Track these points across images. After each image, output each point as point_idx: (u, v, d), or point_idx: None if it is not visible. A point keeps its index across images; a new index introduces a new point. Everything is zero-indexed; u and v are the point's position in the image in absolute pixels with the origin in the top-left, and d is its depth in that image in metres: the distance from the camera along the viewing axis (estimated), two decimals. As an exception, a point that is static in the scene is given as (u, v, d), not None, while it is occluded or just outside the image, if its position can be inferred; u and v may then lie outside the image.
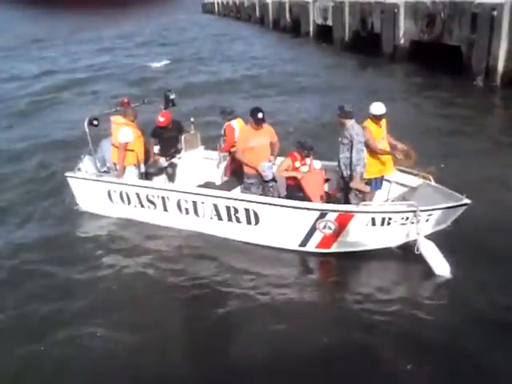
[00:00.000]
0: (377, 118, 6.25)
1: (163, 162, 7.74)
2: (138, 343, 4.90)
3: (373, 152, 6.28)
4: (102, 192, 7.60)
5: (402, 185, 6.65)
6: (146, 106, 7.98)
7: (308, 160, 6.43)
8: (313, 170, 6.53)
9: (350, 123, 6.07)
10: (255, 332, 4.95)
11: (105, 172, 7.70)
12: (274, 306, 5.38)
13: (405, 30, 18.47)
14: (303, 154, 6.31)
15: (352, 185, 6.12)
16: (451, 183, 6.10)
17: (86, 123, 7.26)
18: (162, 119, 7.46)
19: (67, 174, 7.95)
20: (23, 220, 8.03)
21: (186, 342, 4.96)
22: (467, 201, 5.56)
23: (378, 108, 6.21)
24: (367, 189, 6.18)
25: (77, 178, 7.84)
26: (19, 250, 7.00)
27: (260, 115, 6.26)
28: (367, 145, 6.17)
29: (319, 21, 28.14)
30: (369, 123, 6.30)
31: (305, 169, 6.38)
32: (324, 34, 27.01)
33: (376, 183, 6.52)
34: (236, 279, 5.92)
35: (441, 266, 5.61)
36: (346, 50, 23.58)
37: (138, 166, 7.33)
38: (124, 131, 7.03)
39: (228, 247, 6.60)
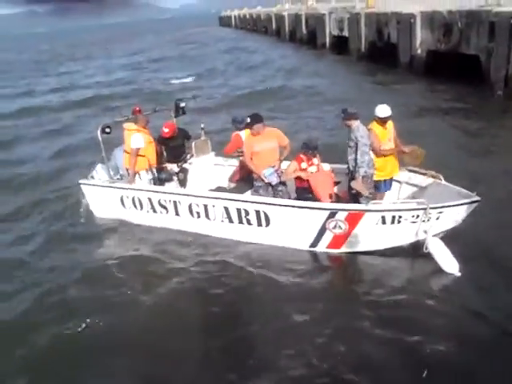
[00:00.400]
0: (382, 121, 6.29)
1: (174, 167, 7.90)
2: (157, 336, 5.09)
3: (378, 154, 6.35)
4: (115, 198, 7.71)
5: (412, 185, 6.67)
6: (157, 113, 8.17)
7: (315, 160, 6.47)
8: (321, 170, 6.55)
9: (356, 124, 6.15)
10: (266, 331, 5.03)
11: (118, 179, 7.85)
12: (284, 306, 5.41)
13: (421, 40, 18.38)
14: (309, 154, 6.37)
15: (352, 184, 6.21)
16: (465, 184, 6.08)
17: (99, 131, 7.42)
18: (166, 130, 7.64)
19: (81, 181, 8.06)
20: (39, 226, 8.27)
21: (199, 342, 5.03)
22: (477, 198, 5.55)
23: (383, 110, 6.25)
24: (366, 192, 6.18)
25: (90, 184, 7.97)
26: (35, 256, 7.21)
27: (248, 120, 6.49)
28: (372, 147, 6.26)
29: (335, 32, 28.23)
30: (374, 125, 6.35)
31: (313, 169, 6.42)
32: (340, 45, 27.07)
33: (385, 185, 6.58)
34: (247, 281, 6.00)
35: (450, 264, 5.61)
36: (362, 60, 23.58)
37: (149, 170, 7.46)
38: (136, 137, 7.19)
39: (239, 249, 6.67)
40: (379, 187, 6.50)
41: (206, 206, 6.89)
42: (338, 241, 6.17)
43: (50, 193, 9.74)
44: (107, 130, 7.39)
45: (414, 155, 6.54)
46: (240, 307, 5.49)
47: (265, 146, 6.50)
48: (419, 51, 18.58)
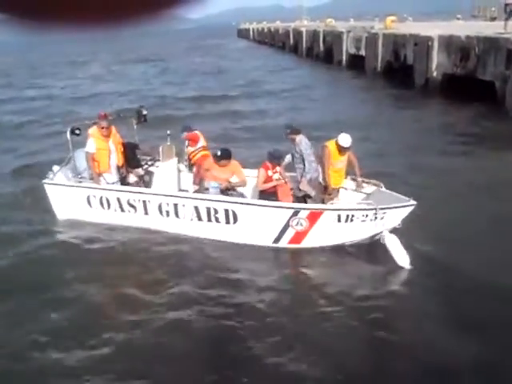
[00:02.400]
0: (341, 148, 6.96)
1: (140, 170, 8.28)
2: (129, 343, 5.08)
3: (327, 167, 7.12)
4: (81, 198, 7.78)
5: (357, 191, 7.47)
6: (121, 120, 8.42)
7: (278, 168, 7.14)
8: (284, 177, 7.19)
9: (299, 138, 7.06)
10: (233, 325, 5.30)
11: (79, 180, 7.90)
12: (249, 297, 5.83)
13: (438, 63, 18.39)
14: (274, 162, 7.06)
15: (301, 186, 7.06)
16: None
17: (68, 132, 7.59)
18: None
19: (45, 181, 7.97)
20: None
21: (168, 341, 5.11)
22: (414, 202, 6.51)
23: (344, 140, 6.93)
24: (312, 193, 7.06)
25: (55, 184, 7.92)
26: None
27: (218, 153, 7.13)
28: (322, 162, 7.10)
29: (352, 50, 28.34)
30: (331, 144, 7.05)
31: (276, 176, 7.08)
32: (356, 63, 27.15)
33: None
34: (214, 275, 6.33)
35: (402, 257, 6.36)
36: (377, 80, 23.62)
37: (101, 175, 7.70)
38: (88, 142, 7.54)
39: (207, 246, 7.03)
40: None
41: (175, 205, 7.26)
42: (299, 237, 6.84)
43: (9, 194, 9.47)
44: (77, 131, 7.60)
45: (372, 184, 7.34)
46: (208, 302, 5.74)
47: (222, 175, 7.18)
48: (435, 74, 18.57)
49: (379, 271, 6.48)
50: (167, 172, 8.14)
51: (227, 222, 7.01)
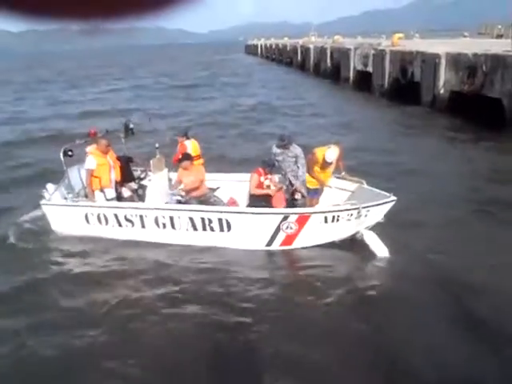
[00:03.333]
0: (325, 162, 7.56)
1: (133, 185, 8.61)
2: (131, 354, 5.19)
3: (313, 170, 7.78)
4: (79, 216, 8.02)
5: (340, 189, 8.07)
6: (109, 135, 8.51)
7: (269, 175, 7.80)
8: (274, 184, 7.83)
9: (293, 145, 7.84)
10: (232, 324, 5.61)
11: (74, 198, 8.12)
12: (245, 298, 6.19)
13: (445, 80, 18.45)
14: (266, 170, 7.72)
15: (298, 187, 7.74)
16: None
17: (61, 154, 7.79)
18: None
19: (42, 201, 8.18)
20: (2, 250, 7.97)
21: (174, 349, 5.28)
22: (394, 198, 7.05)
23: (328, 155, 7.52)
24: (305, 193, 7.78)
25: (53, 205, 8.14)
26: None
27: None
28: (308, 165, 7.77)
29: (359, 67, 28.51)
30: (319, 154, 7.65)
31: (267, 182, 7.75)
32: (363, 80, 27.29)
33: (316, 192, 7.90)
34: (213, 281, 6.65)
35: (381, 250, 7.03)
36: (384, 96, 23.69)
37: (102, 190, 7.97)
38: (88, 159, 7.85)
39: (203, 254, 7.40)
40: (309, 193, 7.84)
41: (171, 218, 7.60)
42: (289, 239, 7.34)
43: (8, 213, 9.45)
44: (69, 152, 7.83)
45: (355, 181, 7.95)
46: (207, 305, 6.04)
47: (186, 179, 7.93)
48: (442, 91, 18.62)
49: (363, 265, 7.08)
50: (159, 184, 8.39)
51: (221, 230, 7.42)
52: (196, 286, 6.55)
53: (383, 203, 7.06)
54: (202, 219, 7.42)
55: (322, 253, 7.33)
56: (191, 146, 8.63)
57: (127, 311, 6.05)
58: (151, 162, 8.32)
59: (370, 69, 26.60)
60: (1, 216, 9.27)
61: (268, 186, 7.71)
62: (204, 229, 7.48)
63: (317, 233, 7.24)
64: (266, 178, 7.74)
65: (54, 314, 6.01)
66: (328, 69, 35.39)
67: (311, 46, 41.28)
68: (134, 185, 8.56)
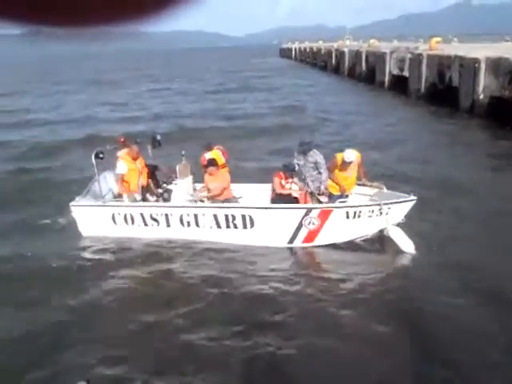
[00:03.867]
0: (345, 162, 7.63)
1: (159, 190, 8.90)
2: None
3: (336, 176, 7.90)
4: (106, 216, 8.30)
5: (362, 194, 8.14)
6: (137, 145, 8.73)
7: (290, 180, 7.90)
8: (301, 187, 7.95)
9: (313, 151, 7.98)
10: (257, 320, 5.73)
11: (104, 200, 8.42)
12: (268, 296, 6.32)
13: (485, 86, 17.91)
14: (287, 174, 7.85)
15: (324, 191, 7.88)
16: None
17: (93, 156, 8.14)
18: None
19: (71, 203, 8.47)
20: (30, 247, 8.22)
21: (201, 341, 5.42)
22: (415, 197, 7.20)
23: (347, 156, 7.60)
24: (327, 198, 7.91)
25: (82, 205, 8.43)
26: (33, 276, 7.21)
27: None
28: (330, 169, 7.93)
29: (395, 71, 28.06)
30: (339, 157, 7.78)
31: (288, 186, 7.92)
32: (399, 84, 26.83)
33: (340, 198, 7.85)
34: (236, 277, 6.81)
35: (407, 245, 7.13)
36: (421, 101, 23.21)
37: (131, 194, 8.27)
38: (119, 164, 8.15)
39: (227, 251, 7.56)
40: (332, 199, 7.87)
41: (196, 216, 7.83)
42: (311, 236, 7.45)
43: (41, 214, 9.67)
44: (100, 155, 8.19)
45: (375, 187, 8.04)
46: (231, 300, 6.22)
47: (213, 184, 8.07)
48: (482, 96, 18.09)
49: (389, 260, 7.21)
50: (184, 188, 8.68)
51: (244, 226, 7.63)
52: (217, 281, 6.71)
53: (404, 201, 7.23)
54: (226, 216, 7.64)
55: (346, 251, 7.43)
56: (209, 157, 8.70)
57: (151, 305, 6.26)
58: (177, 167, 8.61)
59: (406, 73, 26.14)
60: (34, 214, 9.60)
61: (290, 189, 7.90)
62: (228, 226, 7.69)
63: (339, 229, 7.32)
64: (287, 182, 7.90)
65: (80, 307, 6.26)
66: (363, 72, 34.99)
67: (346, 50, 40.92)
68: (159, 190, 8.85)
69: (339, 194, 7.92)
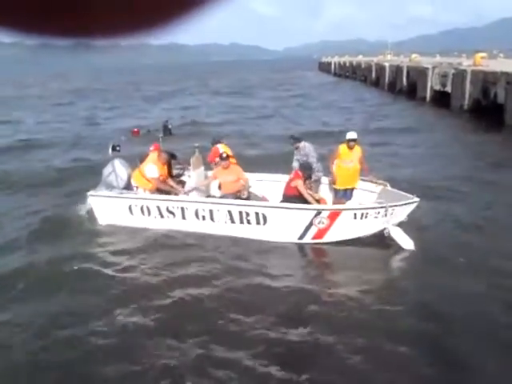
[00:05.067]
0: (349, 143, 8.18)
1: (173, 181, 9.18)
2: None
3: (338, 167, 8.36)
4: (123, 207, 8.63)
5: (366, 191, 8.63)
6: (150, 134, 9.42)
7: (307, 181, 8.23)
8: (313, 192, 8.34)
9: (302, 144, 8.57)
10: (269, 311, 5.97)
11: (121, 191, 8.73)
12: (279, 289, 6.59)
13: (532, 103, 17.35)
14: (304, 174, 8.13)
15: (318, 177, 8.62)
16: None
17: (110, 149, 8.56)
18: (151, 148, 9.00)
19: (90, 192, 8.77)
20: (46, 235, 8.65)
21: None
22: (417, 199, 7.68)
23: (350, 134, 8.25)
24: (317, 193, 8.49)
25: (100, 196, 8.74)
26: (48, 263, 7.52)
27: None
28: (332, 160, 8.42)
29: (437, 87, 27.58)
30: (342, 147, 8.32)
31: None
32: (441, 100, 26.33)
33: (345, 193, 8.47)
34: (248, 270, 7.14)
35: (407, 243, 7.58)
36: (464, 118, 22.64)
37: (151, 192, 8.66)
38: (151, 168, 8.51)
39: (240, 245, 7.91)
40: (338, 194, 8.48)
41: (211, 211, 8.16)
42: (320, 233, 7.90)
43: (57, 201, 10.32)
44: (117, 148, 8.58)
45: (379, 184, 8.50)
46: (243, 292, 6.49)
47: (226, 178, 8.59)
48: (529, 114, 17.51)
49: (390, 257, 7.64)
50: (197, 180, 9.08)
51: (257, 223, 8.00)
52: (231, 275, 6.97)
53: (408, 203, 7.69)
54: (240, 213, 8.00)
55: (351, 246, 7.87)
56: (223, 149, 9.21)
57: (165, 292, 6.52)
58: (191, 159, 8.96)
59: (448, 89, 25.65)
60: (53, 206, 10.12)
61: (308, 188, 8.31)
62: (241, 222, 8.06)
63: (346, 228, 7.78)
64: (305, 183, 8.23)
65: (98, 297, 6.49)
66: (404, 87, 34.55)
67: (386, 65, 40.56)
68: (173, 181, 9.08)
69: (343, 189, 8.44)
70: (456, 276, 6.75)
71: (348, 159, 8.29)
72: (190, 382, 4.71)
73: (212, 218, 8.20)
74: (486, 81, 21.16)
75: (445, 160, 14.76)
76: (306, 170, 8.16)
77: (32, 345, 5.45)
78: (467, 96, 23.18)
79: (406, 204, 7.67)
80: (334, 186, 8.54)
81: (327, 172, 8.89)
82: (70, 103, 38.61)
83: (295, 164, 8.62)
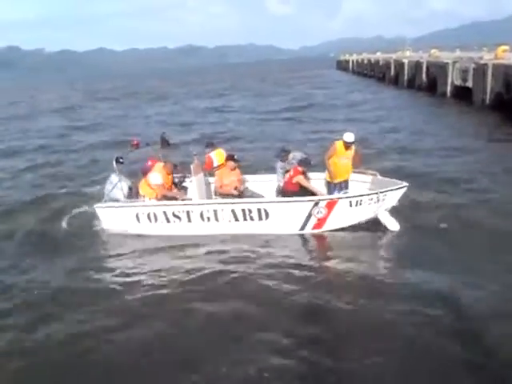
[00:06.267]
0: (346, 144, 8.70)
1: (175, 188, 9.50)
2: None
3: (334, 164, 8.89)
4: (130, 216, 8.96)
5: (359, 181, 9.24)
6: (149, 146, 9.70)
7: (306, 174, 8.91)
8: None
9: (291, 156, 9.19)
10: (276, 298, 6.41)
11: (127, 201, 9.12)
12: (284, 278, 7.01)
13: (557, 96, 17.00)
14: (304, 168, 8.75)
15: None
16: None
17: (114, 161, 8.95)
18: (150, 163, 9.33)
19: (96, 205, 9.17)
20: (54, 245, 8.90)
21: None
22: (407, 184, 8.34)
23: (348, 137, 8.69)
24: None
25: (107, 207, 9.12)
26: (60, 274, 7.72)
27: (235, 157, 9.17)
28: (327, 156, 8.96)
29: (458, 82, 27.25)
30: (338, 142, 8.84)
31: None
32: (462, 95, 25.99)
33: (340, 186, 8.98)
34: (255, 262, 7.57)
35: (393, 224, 8.44)
36: (486, 112, 22.28)
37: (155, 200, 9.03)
38: (155, 175, 8.92)
39: (245, 241, 8.34)
40: (334, 187, 8.98)
41: (215, 211, 8.60)
42: (320, 223, 8.49)
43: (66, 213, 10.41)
44: (121, 160, 9.01)
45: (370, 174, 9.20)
46: (250, 283, 6.91)
47: (232, 178, 9.05)
48: (553, 107, 17.16)
49: (382, 238, 8.37)
50: (198, 185, 9.43)
51: (260, 218, 8.50)
52: (239, 268, 7.36)
53: (398, 188, 8.32)
54: (243, 210, 8.48)
55: (348, 234, 8.51)
56: (216, 157, 9.77)
57: (176, 289, 6.84)
58: (191, 166, 9.32)
59: (469, 84, 25.30)
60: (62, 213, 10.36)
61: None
62: (245, 219, 8.55)
63: (343, 216, 8.37)
64: (304, 177, 8.83)
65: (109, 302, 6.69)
66: (423, 83, 34.20)
67: (405, 61, 40.16)
68: (176, 189, 9.51)
69: (335, 182, 8.96)
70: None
71: (344, 156, 8.84)
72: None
73: (216, 218, 8.64)
74: (508, 74, 20.81)
75: (467, 153, 14.58)
76: (307, 166, 8.78)
77: (53, 354, 5.61)
78: (489, 90, 22.84)
79: (396, 189, 8.32)
80: (330, 180, 9.07)
81: (323, 168, 9.35)
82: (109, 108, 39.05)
83: (280, 171, 9.28)
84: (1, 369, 5.35)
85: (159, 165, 9.07)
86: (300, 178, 8.70)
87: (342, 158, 8.85)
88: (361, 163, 9.23)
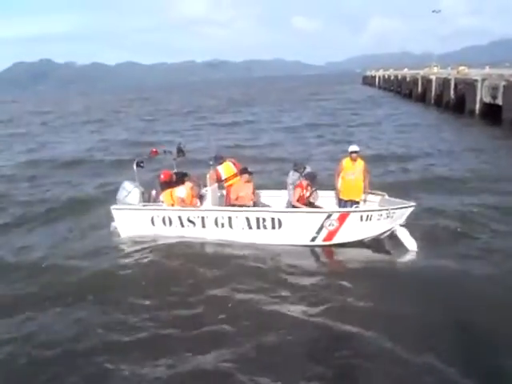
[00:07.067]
0: (351, 156, 9.00)
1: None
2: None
3: (342, 179, 9.13)
4: (145, 219, 9.20)
5: (368, 201, 9.35)
6: (166, 155, 10.02)
7: (310, 188, 8.91)
8: (314, 198, 9.07)
9: (306, 168, 9.30)
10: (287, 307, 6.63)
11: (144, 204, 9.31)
12: (294, 286, 7.23)
13: None
14: (309, 182, 8.87)
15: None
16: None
17: (134, 164, 9.12)
18: (162, 176, 9.65)
19: (113, 207, 9.39)
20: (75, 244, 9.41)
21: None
22: (415, 203, 8.58)
23: (352, 147, 9.09)
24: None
25: (123, 209, 9.35)
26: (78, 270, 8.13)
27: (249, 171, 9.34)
28: (336, 174, 9.27)
29: (487, 99, 26.68)
30: (345, 160, 9.16)
31: (308, 194, 8.92)
32: (491, 113, 25.41)
33: (345, 205, 9.08)
34: (266, 270, 7.76)
35: (411, 243, 8.44)
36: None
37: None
38: (182, 190, 9.16)
39: (258, 249, 8.50)
40: (343, 205, 9.11)
41: (230, 218, 8.78)
42: (330, 235, 8.58)
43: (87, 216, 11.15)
44: (141, 164, 9.18)
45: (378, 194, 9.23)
46: (259, 292, 7.07)
47: (246, 191, 9.12)
48: None
49: (395, 257, 8.41)
50: (214, 193, 9.57)
51: (273, 227, 8.63)
52: (250, 275, 7.55)
53: (407, 207, 8.50)
54: (257, 218, 8.65)
55: (359, 248, 8.59)
56: (224, 170, 9.84)
57: (191, 301, 6.93)
58: (207, 175, 9.47)
59: (499, 101, 24.74)
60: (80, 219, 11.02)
61: (308, 198, 8.91)
62: (258, 227, 8.70)
63: (353, 230, 8.47)
64: (308, 191, 8.88)
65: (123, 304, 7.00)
66: (451, 101, 33.61)
67: (433, 77, 39.66)
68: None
69: (348, 200, 9.11)
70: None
71: (350, 171, 9.04)
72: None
73: (231, 225, 8.81)
74: (540, 92, 20.22)
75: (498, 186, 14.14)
76: (310, 178, 8.87)
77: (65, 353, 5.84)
78: (520, 108, 22.24)
79: (404, 207, 8.50)
80: (339, 197, 9.26)
81: (332, 186, 9.51)
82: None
83: (290, 187, 9.24)
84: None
85: (189, 185, 9.32)
86: (295, 191, 8.83)
87: (349, 174, 9.05)
88: (369, 177, 9.28)
